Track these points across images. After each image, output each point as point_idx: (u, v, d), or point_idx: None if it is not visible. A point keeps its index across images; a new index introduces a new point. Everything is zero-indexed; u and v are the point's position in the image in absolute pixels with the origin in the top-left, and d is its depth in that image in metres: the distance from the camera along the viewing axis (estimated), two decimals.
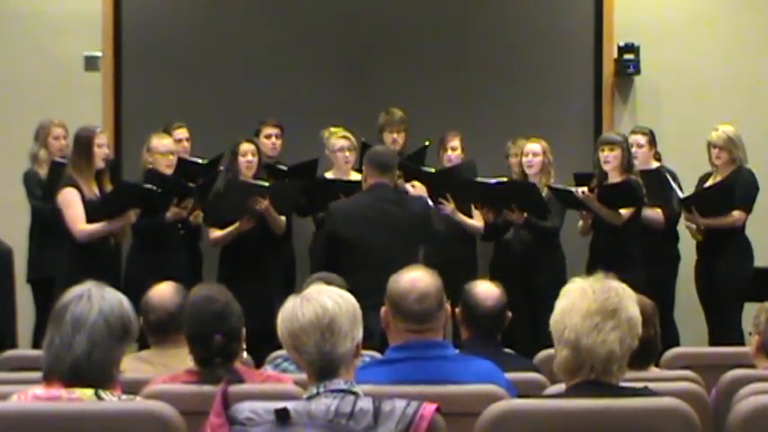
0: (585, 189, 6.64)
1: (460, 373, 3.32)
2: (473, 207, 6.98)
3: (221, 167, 6.92)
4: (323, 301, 2.67)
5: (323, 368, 2.64)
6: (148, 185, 6.37)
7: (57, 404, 2.71)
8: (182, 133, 7.18)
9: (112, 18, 8.00)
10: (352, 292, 2.80)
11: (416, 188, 6.49)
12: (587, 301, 2.70)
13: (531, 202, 6.79)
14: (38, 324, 6.84)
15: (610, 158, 6.69)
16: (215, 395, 2.64)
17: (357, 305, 2.73)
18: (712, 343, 6.80)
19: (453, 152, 7.14)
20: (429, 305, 3.34)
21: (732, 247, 6.84)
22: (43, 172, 6.95)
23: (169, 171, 6.60)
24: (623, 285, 2.76)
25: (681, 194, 6.95)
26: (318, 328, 2.64)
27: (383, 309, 3.38)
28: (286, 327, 2.68)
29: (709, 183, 6.98)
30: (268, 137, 7.25)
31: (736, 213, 6.80)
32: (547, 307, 2.82)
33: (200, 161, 7.06)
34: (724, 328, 6.79)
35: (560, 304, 2.75)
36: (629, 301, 2.73)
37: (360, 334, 2.70)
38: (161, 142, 6.66)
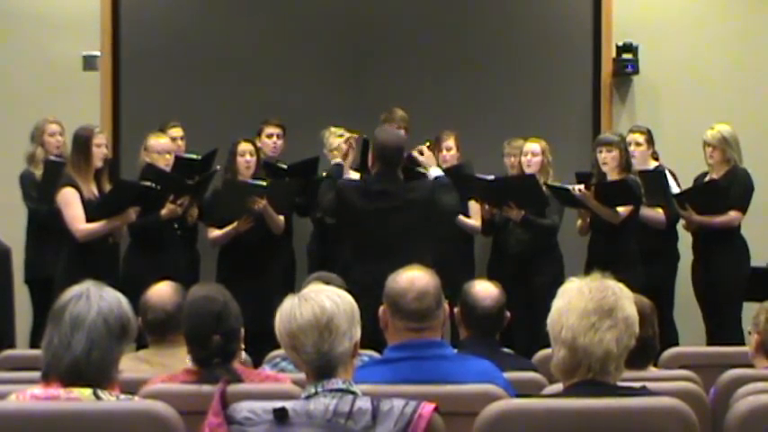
0: (582, 187, 6.64)
1: (459, 373, 3.32)
2: (472, 202, 6.98)
3: (218, 167, 6.92)
4: (321, 300, 2.67)
5: (321, 368, 2.64)
6: (147, 183, 6.36)
7: (55, 404, 2.71)
8: (176, 132, 7.17)
9: (111, 18, 8.00)
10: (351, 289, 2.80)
11: (426, 156, 6.24)
12: (584, 301, 2.70)
13: (529, 196, 6.78)
14: (36, 324, 6.85)
15: (608, 159, 6.70)
16: (213, 395, 2.64)
17: (355, 304, 2.73)
18: (710, 342, 6.80)
19: (448, 152, 7.13)
20: (428, 303, 3.34)
21: (728, 246, 6.83)
22: (39, 172, 6.90)
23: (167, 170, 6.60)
24: (620, 285, 2.76)
25: (677, 190, 6.96)
26: (317, 327, 2.64)
27: (381, 308, 3.38)
28: (284, 326, 2.68)
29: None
30: (269, 136, 7.26)
31: (733, 213, 6.80)
32: (545, 306, 2.81)
33: (194, 157, 7.07)
34: (722, 327, 6.78)
35: (557, 304, 2.74)
36: (626, 300, 2.73)
37: (358, 333, 2.71)
38: (158, 142, 6.65)
